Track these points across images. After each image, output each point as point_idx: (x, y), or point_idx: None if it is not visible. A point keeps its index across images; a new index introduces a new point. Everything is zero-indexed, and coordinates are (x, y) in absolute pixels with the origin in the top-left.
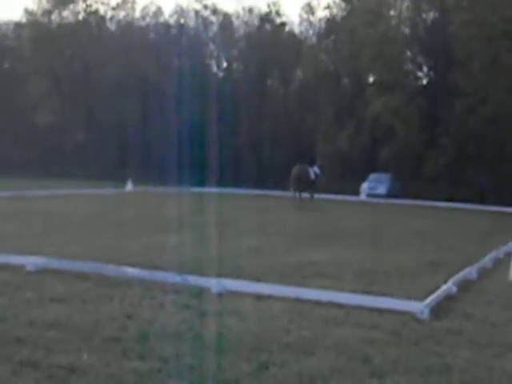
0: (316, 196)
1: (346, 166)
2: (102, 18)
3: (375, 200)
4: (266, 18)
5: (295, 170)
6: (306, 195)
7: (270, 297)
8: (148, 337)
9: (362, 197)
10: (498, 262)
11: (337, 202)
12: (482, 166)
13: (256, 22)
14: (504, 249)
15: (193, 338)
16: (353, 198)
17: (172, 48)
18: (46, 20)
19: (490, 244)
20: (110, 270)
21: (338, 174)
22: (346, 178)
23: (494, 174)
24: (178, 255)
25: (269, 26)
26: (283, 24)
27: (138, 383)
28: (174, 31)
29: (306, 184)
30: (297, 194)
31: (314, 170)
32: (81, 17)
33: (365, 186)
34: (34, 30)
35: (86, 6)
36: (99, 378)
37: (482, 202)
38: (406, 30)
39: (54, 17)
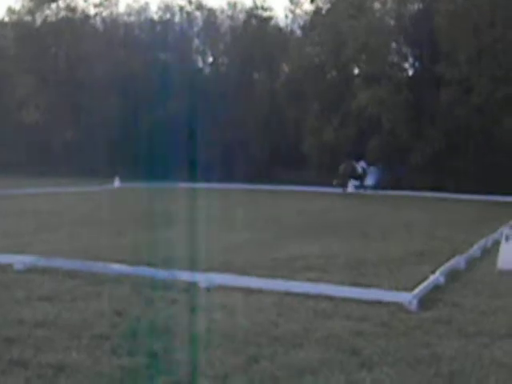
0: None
1: (332, 158)
2: (86, 15)
3: (363, 191)
4: (251, 13)
5: (342, 167)
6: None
7: (258, 290)
8: (137, 333)
9: (350, 189)
10: (486, 251)
11: (324, 194)
12: (468, 155)
13: (241, 16)
14: (492, 237)
15: (182, 334)
16: (340, 190)
17: (157, 44)
18: (29, 19)
19: (478, 233)
20: (99, 267)
21: (326, 166)
22: (334, 169)
23: (481, 164)
24: (166, 251)
25: (254, 21)
26: (269, 18)
27: (126, 380)
28: (158, 27)
29: (353, 179)
30: (344, 190)
31: (361, 165)
32: (64, 14)
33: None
34: (18, 28)
35: (69, 3)
36: (88, 375)
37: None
38: (391, 22)
39: (38, 15)
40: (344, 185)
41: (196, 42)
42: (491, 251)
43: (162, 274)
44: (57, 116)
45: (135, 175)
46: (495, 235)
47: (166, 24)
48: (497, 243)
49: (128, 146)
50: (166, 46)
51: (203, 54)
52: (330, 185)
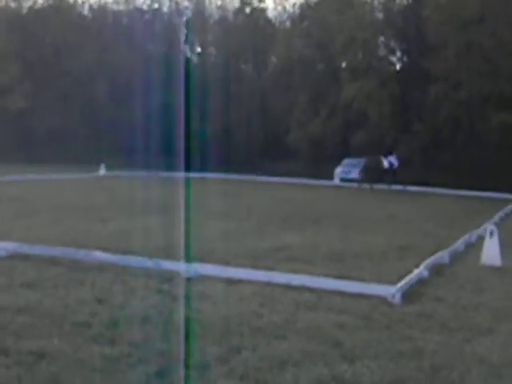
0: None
1: (319, 151)
2: (74, 3)
3: (349, 184)
4: (244, 2)
5: (364, 161)
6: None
7: (241, 281)
8: (118, 322)
9: (336, 181)
10: (470, 246)
11: (310, 187)
12: (455, 150)
13: (230, 6)
14: (476, 233)
15: (163, 323)
16: (326, 182)
17: (145, 33)
18: (16, 5)
19: (463, 228)
20: (82, 254)
21: (312, 158)
22: (320, 162)
23: (468, 159)
24: (149, 240)
25: (246, 10)
26: (262, 9)
27: (107, 368)
28: (147, 16)
29: (378, 174)
30: (366, 185)
31: (389, 160)
32: (52, 2)
33: (338, 171)
34: (4, 15)
35: None
36: (69, 363)
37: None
38: (379, 15)
39: (25, 2)
40: (366, 180)
41: (184, 31)
42: (475, 246)
43: (144, 262)
44: (42, 103)
45: (121, 164)
46: (479, 231)
47: (154, 13)
48: (481, 239)
49: (114, 135)
50: (154, 36)
51: (191, 44)
52: (316, 176)
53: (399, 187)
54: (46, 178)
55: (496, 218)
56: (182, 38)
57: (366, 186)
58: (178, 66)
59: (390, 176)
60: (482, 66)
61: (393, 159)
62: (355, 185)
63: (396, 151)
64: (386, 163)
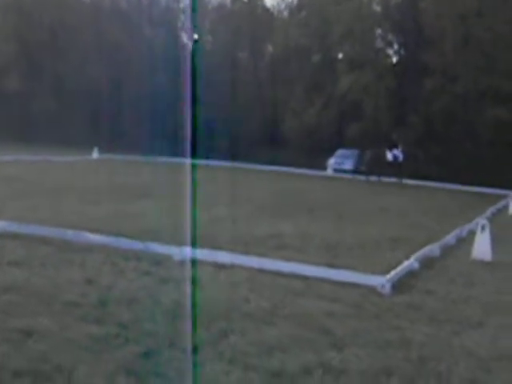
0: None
1: (313, 141)
2: None
3: (342, 175)
4: None
5: (368, 153)
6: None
7: (232, 266)
8: (107, 302)
9: (329, 172)
10: (461, 240)
11: (304, 177)
12: (450, 144)
13: None
14: (467, 227)
15: (152, 305)
16: (320, 173)
17: (143, 18)
18: None
19: (454, 222)
20: (72, 235)
21: (306, 148)
22: (314, 152)
23: (462, 153)
24: (141, 223)
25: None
26: None
27: (95, 348)
28: (145, 1)
29: (382, 167)
30: (370, 177)
31: (393, 153)
32: None
33: (332, 161)
34: None
35: None
36: (56, 342)
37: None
38: (377, 8)
39: None
40: (370, 172)
41: (182, 17)
42: (466, 241)
43: (135, 245)
44: (38, 85)
45: (115, 147)
46: (471, 225)
47: None
48: (472, 233)
49: (109, 118)
50: (151, 21)
51: (188, 31)
52: (310, 166)
53: (399, 180)
54: (40, 159)
55: (488, 212)
56: (179, 23)
57: (373, 178)
58: (175, 52)
59: (397, 169)
60: (480, 60)
61: (397, 152)
62: (349, 175)
63: (399, 145)
64: (390, 156)
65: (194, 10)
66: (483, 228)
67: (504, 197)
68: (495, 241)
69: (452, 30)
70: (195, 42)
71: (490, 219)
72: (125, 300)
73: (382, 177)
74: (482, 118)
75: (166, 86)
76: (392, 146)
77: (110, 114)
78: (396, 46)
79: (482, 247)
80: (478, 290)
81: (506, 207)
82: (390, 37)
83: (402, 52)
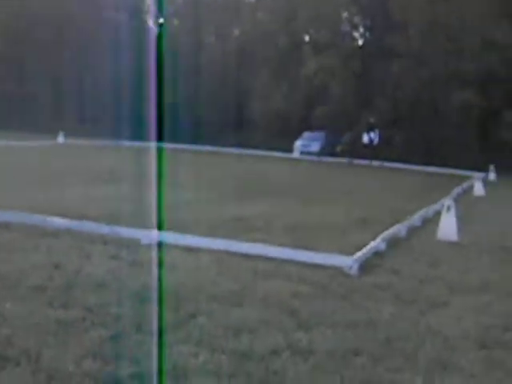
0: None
1: (281, 124)
2: None
3: (308, 157)
4: None
5: (347, 136)
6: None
7: (199, 249)
8: (74, 286)
9: (296, 154)
10: (427, 221)
11: (271, 159)
12: (415, 127)
13: None
14: (434, 208)
15: (119, 289)
16: (287, 155)
17: (108, 2)
18: None
19: (421, 203)
20: (37, 220)
21: (273, 131)
22: (281, 135)
23: (428, 136)
24: (108, 207)
25: None
26: None
27: (61, 332)
28: None
29: (358, 149)
30: (347, 160)
31: (369, 136)
32: None
33: (298, 144)
34: None
35: None
36: (22, 326)
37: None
38: None
39: None
40: (349, 154)
41: (147, 1)
42: (432, 221)
43: (102, 229)
44: (2, 69)
45: (81, 132)
46: (437, 206)
47: None
48: (438, 214)
49: (74, 103)
50: (117, 4)
51: (154, 15)
52: (277, 149)
53: (376, 163)
54: (4, 144)
55: (454, 193)
56: (145, 7)
57: (346, 160)
58: (141, 36)
59: (370, 151)
60: (446, 44)
61: (373, 135)
62: (316, 158)
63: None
64: (366, 139)
65: None
66: (449, 208)
67: (469, 178)
68: (460, 221)
69: (419, 13)
70: (161, 25)
71: (456, 200)
72: (92, 284)
73: (357, 159)
74: (448, 101)
75: (131, 71)
76: (369, 129)
77: (76, 99)
78: (362, 30)
79: (447, 227)
80: (444, 270)
81: (471, 188)
82: (357, 20)
83: (369, 36)
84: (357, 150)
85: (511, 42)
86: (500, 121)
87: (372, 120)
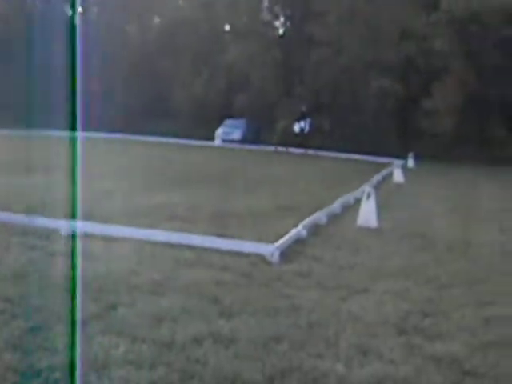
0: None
1: (202, 112)
2: None
3: (230, 145)
4: None
5: (280, 125)
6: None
7: (120, 239)
8: None
9: (218, 142)
10: (347, 208)
11: (193, 147)
12: (335, 114)
13: None
14: (354, 195)
15: (39, 280)
16: (208, 143)
17: None
18: None
19: (341, 190)
20: None
21: (195, 119)
22: (203, 123)
23: (347, 123)
24: (26, 197)
25: None
26: None
27: None
28: None
29: (289, 138)
30: (279, 148)
31: (300, 125)
32: None
33: (220, 132)
34: None
35: None
36: None
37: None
38: None
39: None
40: (282, 143)
41: None
42: (353, 208)
43: (21, 219)
44: None
45: (2, 122)
46: (357, 193)
47: None
48: (358, 201)
49: None
50: None
51: (73, 3)
52: (199, 137)
53: (301, 150)
54: None
55: (374, 180)
56: None
57: (282, 148)
58: (59, 25)
59: (300, 140)
60: (364, 32)
61: (303, 124)
62: (237, 145)
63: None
64: (296, 128)
65: None
66: (369, 195)
67: (389, 165)
68: (380, 208)
69: (337, 2)
70: (79, 14)
71: (376, 187)
72: (11, 275)
73: (289, 148)
74: (366, 89)
75: (50, 59)
76: (300, 117)
77: None
78: (282, 18)
79: (367, 214)
80: (364, 256)
81: (390, 175)
82: (277, 9)
83: (289, 24)
84: (289, 139)
85: (429, 32)
86: (418, 109)
87: (303, 108)
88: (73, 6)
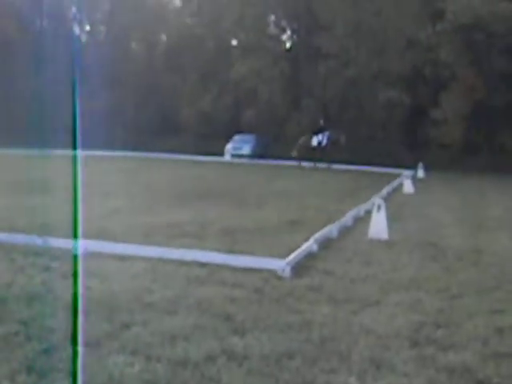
0: (322, 164)
1: (210, 128)
2: None
3: (240, 160)
4: None
5: (302, 139)
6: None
7: (132, 257)
8: (6, 300)
9: (227, 157)
10: (358, 220)
11: (202, 163)
12: (343, 126)
13: None
14: (364, 207)
15: (53, 300)
16: (218, 159)
17: (34, 9)
18: None
19: (351, 202)
20: None
21: (204, 135)
22: (212, 139)
23: (356, 135)
24: (38, 217)
25: None
26: None
27: None
28: None
29: (308, 152)
30: (300, 162)
31: (318, 139)
32: None
33: (229, 147)
34: None
35: None
36: None
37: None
38: None
39: None
40: (298, 158)
41: (73, 9)
42: (363, 220)
43: (34, 240)
44: None
45: (10, 141)
46: (368, 205)
47: None
48: (369, 213)
49: (2, 112)
50: (42, 12)
51: (80, 22)
52: (208, 153)
53: (323, 165)
54: None
55: (384, 192)
56: (71, 15)
57: (300, 164)
58: (67, 44)
59: (318, 154)
60: (370, 43)
61: (321, 137)
62: (247, 160)
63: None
64: (315, 141)
65: (85, 1)
66: (379, 207)
67: (398, 176)
68: (391, 219)
69: (343, 14)
70: (88, 33)
71: (386, 198)
72: (25, 297)
73: (307, 162)
74: (374, 101)
75: (59, 78)
76: (318, 130)
77: (3, 108)
78: (289, 32)
79: (378, 226)
80: (375, 269)
81: (400, 186)
82: (284, 23)
83: (296, 37)
84: (308, 153)
85: (435, 42)
86: (427, 119)
87: (322, 122)
88: (80, 25)
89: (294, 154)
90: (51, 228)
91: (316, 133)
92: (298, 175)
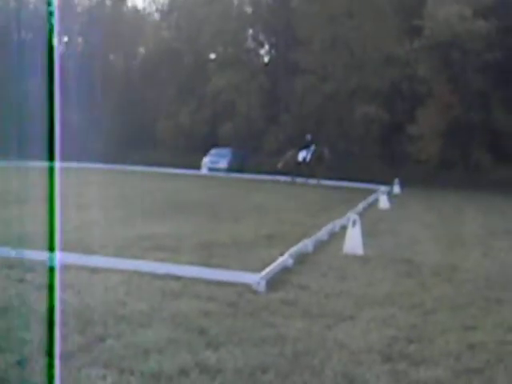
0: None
1: (188, 141)
2: None
3: (216, 174)
4: None
5: (289, 154)
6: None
7: (106, 270)
8: None
9: (204, 171)
10: (333, 235)
11: (179, 176)
12: (321, 141)
13: None
14: (340, 222)
15: (26, 313)
16: (195, 172)
17: (11, 22)
18: None
19: (327, 217)
20: None
21: (181, 148)
22: (189, 152)
23: (333, 150)
24: (12, 229)
25: (109, 1)
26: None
27: None
28: (12, 4)
29: (293, 167)
30: (289, 178)
31: (302, 154)
32: None
33: (206, 160)
34: None
35: None
36: None
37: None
38: (248, 9)
39: None
40: (289, 172)
41: (51, 20)
42: (339, 235)
43: (7, 252)
44: None
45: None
46: (343, 220)
47: (19, 1)
48: (344, 228)
49: None
50: (19, 24)
51: (58, 34)
52: (185, 166)
53: (314, 181)
54: None
55: (360, 207)
56: (48, 26)
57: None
58: (44, 55)
59: (304, 169)
60: (348, 59)
61: (305, 152)
62: (224, 174)
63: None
64: (300, 157)
65: (63, 12)
66: (354, 223)
67: (374, 191)
68: (366, 235)
69: (321, 29)
70: (65, 44)
71: (361, 214)
72: None
73: (290, 177)
74: (351, 116)
75: (34, 90)
76: (304, 146)
77: None
78: (267, 46)
79: (353, 242)
80: (350, 284)
81: (376, 201)
82: (262, 37)
83: (274, 52)
84: (295, 167)
85: (412, 59)
86: (403, 134)
87: (309, 137)
88: (58, 36)
89: (280, 165)
90: (26, 240)
91: (303, 148)
92: (274, 189)
